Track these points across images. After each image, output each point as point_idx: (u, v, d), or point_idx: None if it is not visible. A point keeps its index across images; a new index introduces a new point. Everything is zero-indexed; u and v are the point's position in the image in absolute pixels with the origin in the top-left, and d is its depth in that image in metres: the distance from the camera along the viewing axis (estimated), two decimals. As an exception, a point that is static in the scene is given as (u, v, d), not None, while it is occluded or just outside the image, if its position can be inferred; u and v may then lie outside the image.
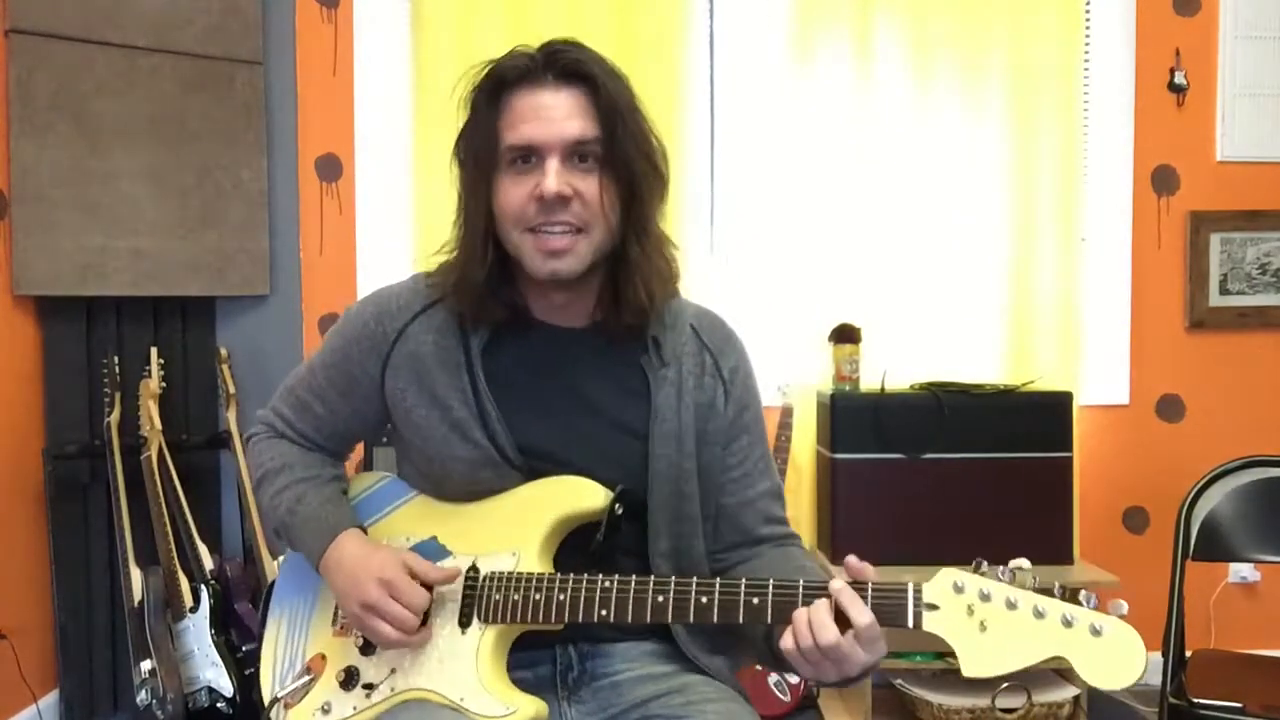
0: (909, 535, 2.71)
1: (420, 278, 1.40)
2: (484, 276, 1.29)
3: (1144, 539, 3.14)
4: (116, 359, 2.79)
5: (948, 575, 1.07)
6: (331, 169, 3.13)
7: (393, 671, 1.28)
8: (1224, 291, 3.13)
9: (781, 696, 2.75)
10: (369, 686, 1.29)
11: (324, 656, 1.34)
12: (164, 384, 2.84)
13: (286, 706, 1.33)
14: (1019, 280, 3.05)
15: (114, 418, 2.75)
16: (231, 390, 2.97)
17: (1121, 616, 1.02)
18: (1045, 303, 3.04)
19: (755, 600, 1.15)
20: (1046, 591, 1.05)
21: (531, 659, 1.30)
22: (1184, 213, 3.12)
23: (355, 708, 1.29)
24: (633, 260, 1.30)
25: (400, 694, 1.27)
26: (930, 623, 1.06)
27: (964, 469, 2.72)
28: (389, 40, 3.12)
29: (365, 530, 1.36)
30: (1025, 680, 2.72)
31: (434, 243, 3.12)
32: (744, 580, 1.16)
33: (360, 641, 1.32)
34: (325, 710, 1.30)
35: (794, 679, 2.78)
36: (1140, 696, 2.97)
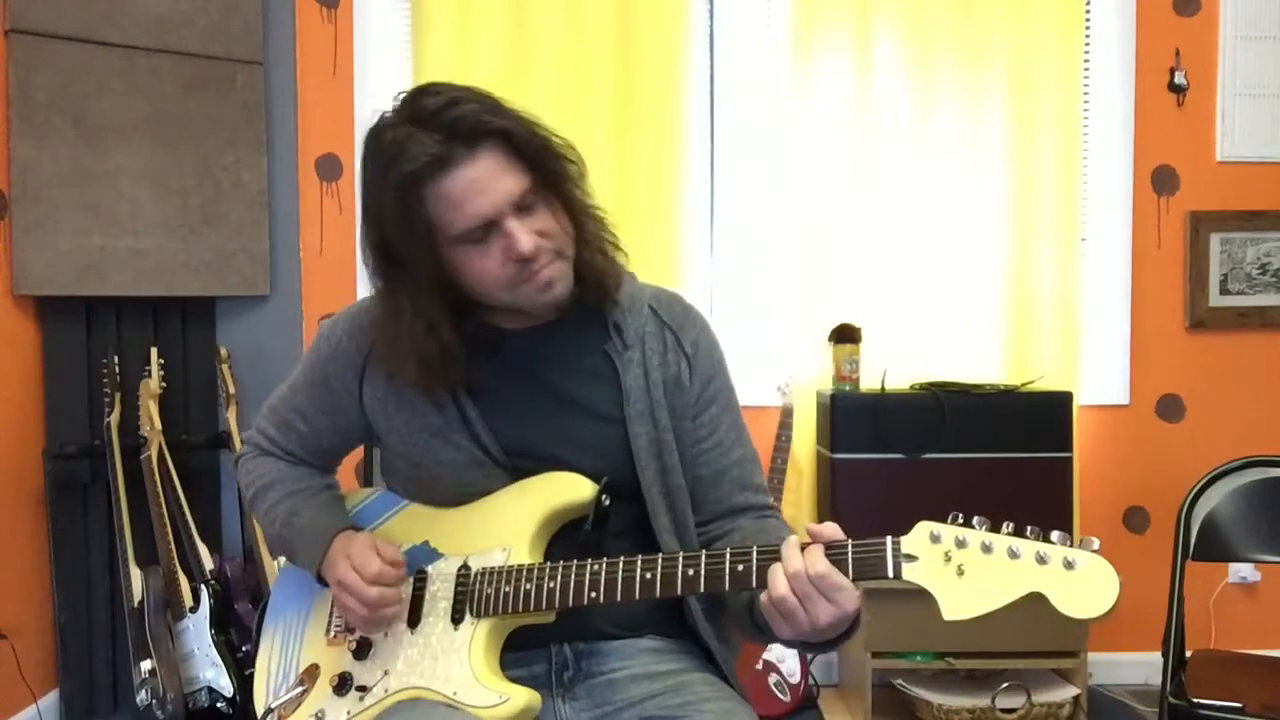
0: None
1: None
2: (457, 354, 1.28)
3: (1144, 539, 3.14)
4: (116, 359, 2.79)
5: (924, 527, 1.11)
6: (331, 169, 3.13)
7: (385, 673, 1.29)
8: (1224, 291, 3.13)
9: (781, 697, 2.75)
10: (363, 689, 1.29)
11: (317, 666, 1.35)
12: (164, 384, 2.84)
13: (280, 718, 1.34)
14: (1019, 280, 3.05)
15: (114, 418, 2.75)
16: (231, 390, 2.97)
17: (1094, 551, 1.05)
18: (1045, 303, 3.04)
19: (740, 567, 1.16)
20: (1019, 534, 1.08)
21: (527, 658, 1.31)
22: (1184, 213, 3.12)
23: (349, 712, 1.29)
24: (580, 242, 1.31)
25: (394, 694, 1.27)
26: (909, 572, 1.09)
27: (964, 469, 2.72)
28: (389, 40, 3.12)
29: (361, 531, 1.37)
30: (1025, 680, 2.72)
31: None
32: (729, 549, 1.18)
33: (354, 646, 1.32)
34: (319, 718, 1.30)
35: (794, 679, 2.79)
36: (1140, 696, 2.97)
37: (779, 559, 1.14)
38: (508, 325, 1.36)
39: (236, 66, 2.96)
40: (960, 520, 1.10)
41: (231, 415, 2.96)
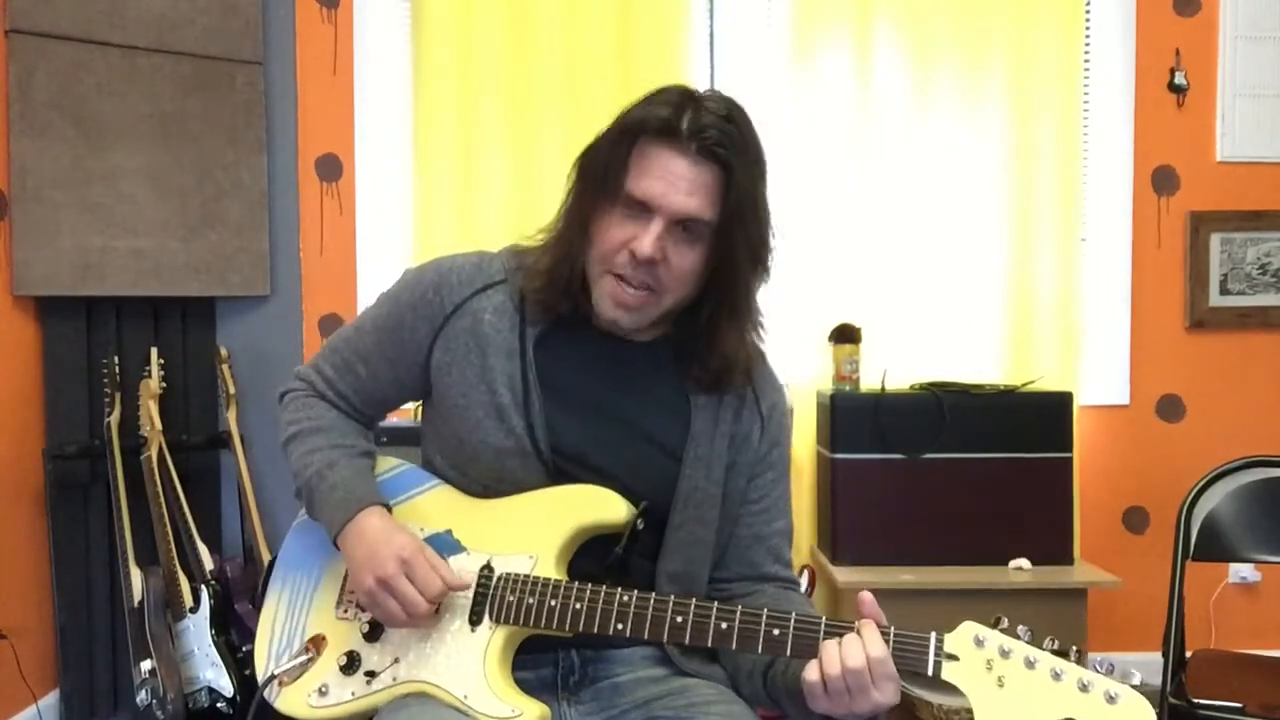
0: (909, 535, 2.70)
1: (487, 255, 1.39)
2: (565, 283, 1.30)
3: (1144, 539, 3.14)
4: (116, 359, 2.79)
5: (969, 629, 1.09)
6: (331, 169, 3.13)
7: (396, 661, 1.27)
8: (1224, 291, 3.13)
9: (781, 696, 2.75)
10: (370, 674, 1.28)
11: (325, 638, 1.32)
12: (164, 384, 2.84)
13: (281, 684, 1.31)
14: (1019, 280, 3.05)
15: (114, 418, 2.74)
16: (231, 390, 2.97)
17: (1135, 686, 1.04)
18: (1045, 303, 3.04)
19: (776, 632, 1.15)
20: (1063, 655, 1.07)
21: (534, 660, 1.30)
22: (1184, 213, 3.12)
23: (354, 693, 1.27)
24: (710, 323, 1.31)
25: (402, 684, 1.26)
26: (949, 673, 1.09)
27: (964, 469, 2.72)
28: (389, 40, 3.12)
29: (390, 509, 1.33)
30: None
31: (434, 242, 3.10)
32: (766, 610, 1.16)
33: (366, 628, 1.30)
34: (322, 692, 1.29)
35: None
36: (1140, 696, 2.96)
37: (819, 634, 1.13)
38: (604, 326, 1.34)
39: (236, 66, 2.96)
40: (1004, 626, 1.09)
41: (232, 415, 2.96)
